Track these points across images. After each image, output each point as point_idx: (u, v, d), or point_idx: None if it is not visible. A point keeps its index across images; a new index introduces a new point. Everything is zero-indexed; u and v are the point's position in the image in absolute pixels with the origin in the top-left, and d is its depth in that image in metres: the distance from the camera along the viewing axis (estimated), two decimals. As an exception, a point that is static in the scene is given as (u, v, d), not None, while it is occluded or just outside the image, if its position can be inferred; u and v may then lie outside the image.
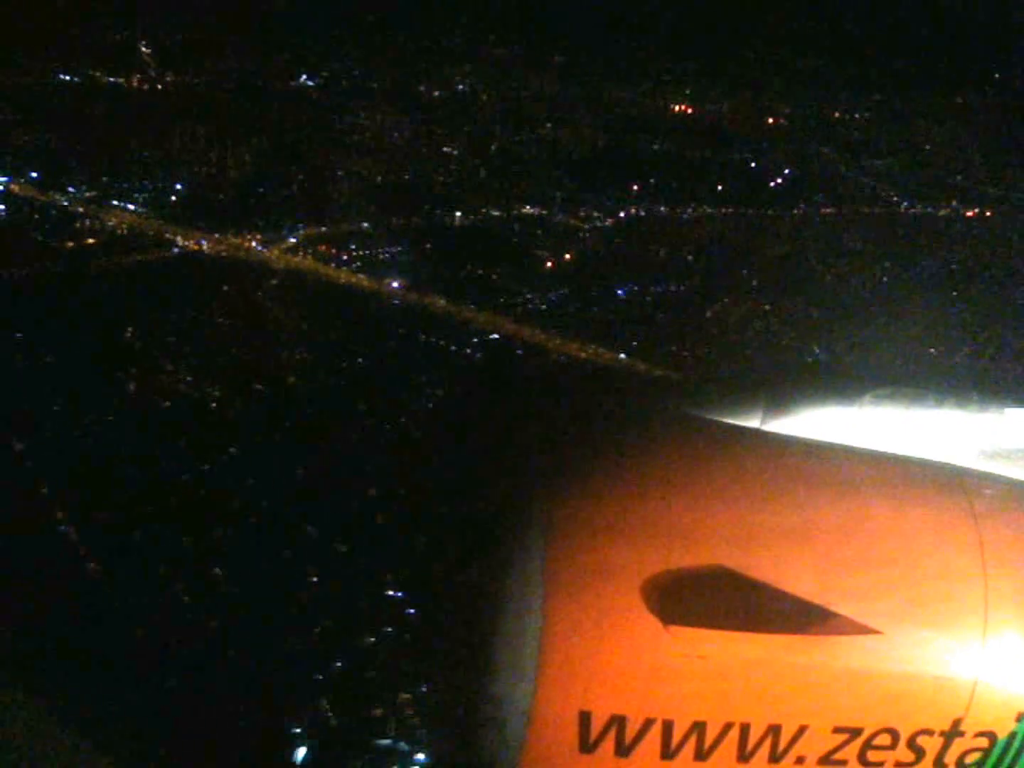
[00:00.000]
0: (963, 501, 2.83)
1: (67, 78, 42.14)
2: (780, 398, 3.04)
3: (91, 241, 31.19)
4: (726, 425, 2.98)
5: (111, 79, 42.85)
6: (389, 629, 16.73)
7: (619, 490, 2.72)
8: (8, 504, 21.00)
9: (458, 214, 37.34)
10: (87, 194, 33.59)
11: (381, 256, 33.61)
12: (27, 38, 42.78)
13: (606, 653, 2.59)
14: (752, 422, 2.99)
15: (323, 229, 34.31)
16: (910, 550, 2.73)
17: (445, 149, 43.76)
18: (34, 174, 33.84)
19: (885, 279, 40.46)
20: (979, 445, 3.10)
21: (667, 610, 2.57)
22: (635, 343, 32.06)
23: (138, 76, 43.53)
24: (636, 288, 35.90)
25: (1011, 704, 2.71)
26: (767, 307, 37.03)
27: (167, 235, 32.03)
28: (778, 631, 2.58)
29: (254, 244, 32.37)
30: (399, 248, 34.26)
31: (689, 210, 42.31)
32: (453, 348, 30.35)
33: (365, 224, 35.32)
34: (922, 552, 2.73)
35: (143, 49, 45.72)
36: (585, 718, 2.59)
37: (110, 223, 32.35)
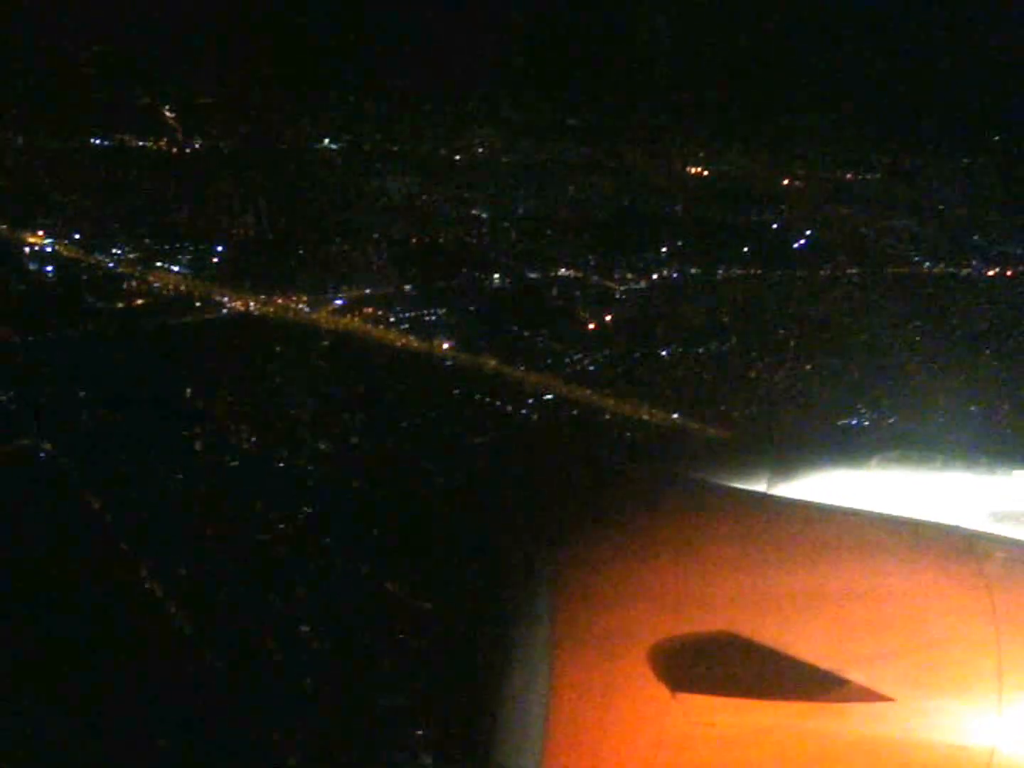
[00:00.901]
0: (974, 565, 2.79)
1: (97, 142, 42.94)
2: (786, 461, 3.08)
3: (141, 302, 31.72)
4: (733, 489, 3.00)
5: (140, 143, 43.70)
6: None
7: (626, 555, 2.70)
8: (93, 562, 21.29)
9: (496, 276, 38.15)
10: (130, 256, 34.19)
11: (427, 318, 34.27)
12: (52, 102, 43.60)
13: (613, 720, 2.57)
14: (758, 486, 3.02)
15: (366, 291, 34.98)
16: (921, 615, 2.70)
17: (473, 212, 44.71)
18: (76, 236, 34.45)
19: (918, 339, 41.46)
20: (989, 507, 3.09)
21: (675, 677, 2.54)
22: (684, 403, 32.73)
23: (166, 140, 44.39)
24: (679, 349, 36.69)
25: None
26: (808, 367, 37.90)
27: (215, 296, 32.60)
28: (788, 698, 2.54)
29: (301, 306, 32.97)
30: (444, 310, 34.98)
31: (720, 271, 43.35)
32: (509, 409, 30.91)
33: (407, 287, 36.04)
34: (933, 617, 2.70)
35: (167, 113, 46.63)
36: None
37: (156, 284, 32.92)
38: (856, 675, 2.56)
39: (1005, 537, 2.98)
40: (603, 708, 2.56)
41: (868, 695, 2.56)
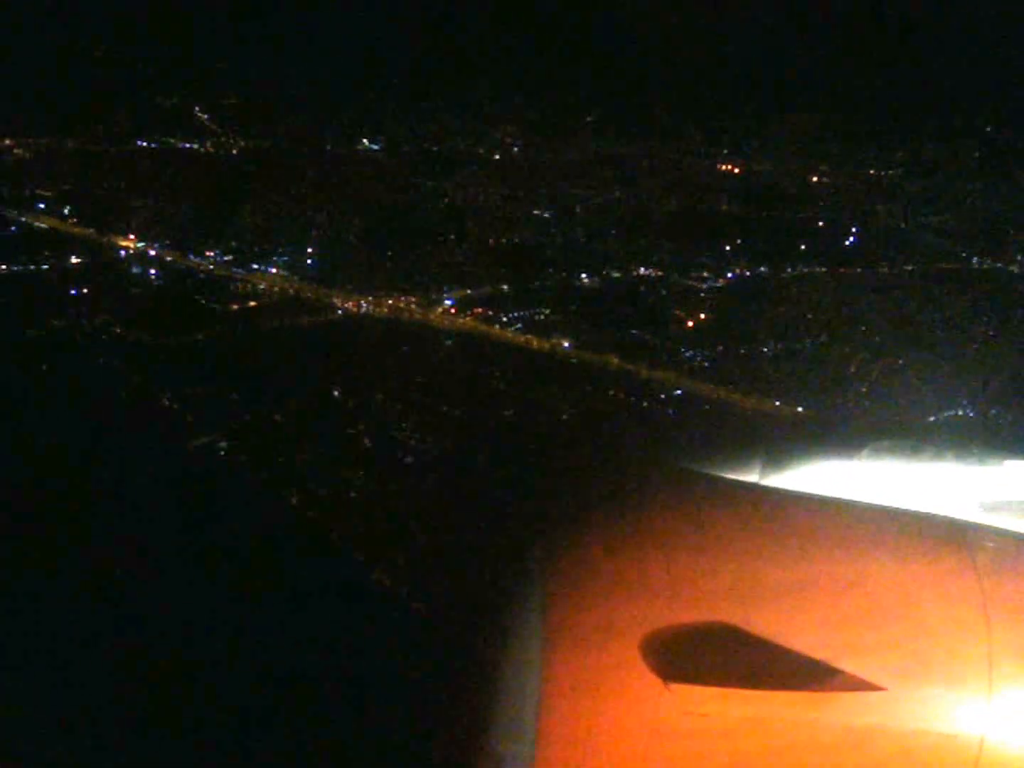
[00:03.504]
0: (965, 555, 2.90)
1: (143, 144, 43.60)
2: (778, 452, 3.23)
3: (253, 304, 32.59)
4: (725, 480, 3.13)
5: (185, 144, 44.48)
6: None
7: (619, 545, 2.82)
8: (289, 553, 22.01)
9: (583, 276, 39.76)
10: (225, 258, 35.01)
11: (536, 317, 35.70)
12: (90, 105, 44.15)
13: (606, 710, 2.67)
14: (750, 476, 3.16)
15: (468, 291, 36.30)
16: (912, 605, 2.81)
17: (535, 212, 46.26)
18: (164, 239, 35.16)
19: (991, 334, 43.99)
20: (980, 497, 3.25)
21: (668, 667, 2.65)
22: (799, 399, 34.67)
23: (210, 141, 45.24)
24: (778, 346, 38.73)
25: (1020, 761, 2.79)
26: (900, 362, 40.23)
27: (324, 298, 33.64)
28: (780, 688, 2.65)
29: (412, 306, 34.18)
30: (548, 310, 36.45)
31: (788, 270, 45.58)
32: (645, 405, 32.46)
33: (504, 287, 37.44)
34: (924, 607, 2.81)
35: (200, 115, 47.49)
36: None
37: (260, 286, 33.81)
38: (848, 665, 2.69)
39: (996, 527, 3.11)
40: (596, 698, 2.67)
41: (859, 684, 2.67)
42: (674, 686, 2.65)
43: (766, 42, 62.49)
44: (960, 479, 3.32)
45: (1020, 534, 3.13)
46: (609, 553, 2.81)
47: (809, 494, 3.15)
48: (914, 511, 3.12)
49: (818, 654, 2.69)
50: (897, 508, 3.13)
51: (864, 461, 3.26)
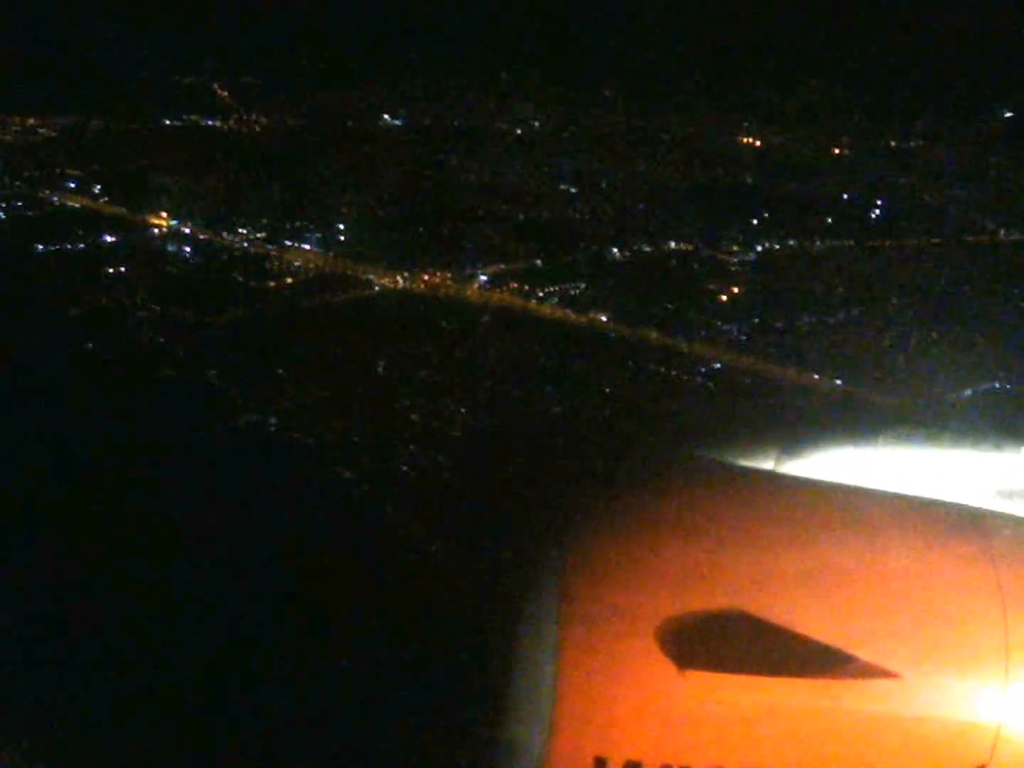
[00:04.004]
0: (981, 542, 2.92)
1: (168, 122, 43.66)
2: (794, 440, 3.28)
3: (290, 281, 32.74)
4: (741, 467, 3.19)
5: (208, 122, 44.53)
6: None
7: (634, 533, 2.86)
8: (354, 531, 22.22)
9: (615, 250, 39.91)
10: (257, 235, 35.13)
11: (571, 292, 35.88)
12: (112, 83, 44.21)
13: (621, 698, 2.71)
14: (766, 464, 3.22)
15: (501, 267, 36.45)
16: (927, 593, 2.83)
17: (561, 187, 46.37)
18: (195, 216, 35.28)
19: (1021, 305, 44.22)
20: (997, 485, 3.28)
21: (683, 654, 2.68)
22: (838, 371, 34.90)
23: (232, 118, 45.31)
24: (811, 319, 38.95)
25: None
26: (934, 335, 40.45)
27: (361, 274, 33.80)
28: (795, 675, 2.68)
29: (448, 282, 34.34)
30: (583, 284, 36.62)
31: (817, 243, 45.75)
32: (685, 379, 32.68)
33: (538, 262, 37.59)
34: (940, 594, 2.83)
35: (219, 92, 47.54)
36: (600, 764, 2.72)
37: (296, 263, 33.95)
38: (862, 652, 2.71)
39: (1012, 515, 3.13)
40: (611, 686, 2.71)
41: (874, 672, 2.70)
42: (689, 673, 2.69)
43: (782, 11, 62.29)
44: (977, 466, 3.35)
45: None
46: (625, 540, 2.86)
47: (824, 481, 3.18)
48: (930, 498, 3.15)
49: (833, 641, 2.72)
50: (913, 495, 3.16)
51: (880, 448, 3.30)
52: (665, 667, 2.68)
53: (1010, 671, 2.76)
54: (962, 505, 3.12)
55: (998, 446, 3.36)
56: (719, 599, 2.74)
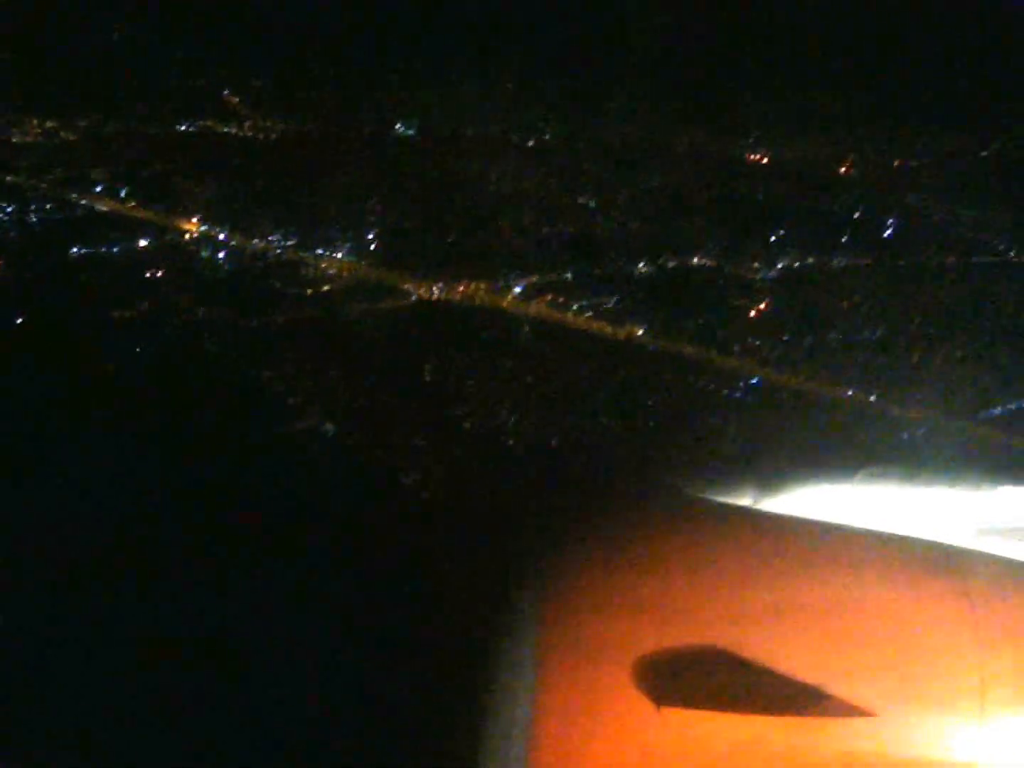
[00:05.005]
0: (957, 580, 3.35)
1: (183, 128, 43.98)
2: (771, 476, 3.70)
3: (327, 288, 32.91)
4: (719, 503, 3.62)
5: (224, 128, 44.92)
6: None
7: (612, 567, 3.23)
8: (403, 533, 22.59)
9: (641, 264, 40.43)
10: (288, 242, 35.33)
11: (605, 304, 36.32)
12: (127, 86, 44.55)
13: (598, 734, 3.07)
14: (744, 500, 3.64)
15: (534, 278, 36.87)
16: (903, 630, 3.25)
17: (580, 200, 46.93)
18: (223, 221, 35.44)
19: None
20: (974, 522, 3.72)
21: (660, 691, 3.08)
22: (871, 387, 35.48)
23: (248, 124, 45.78)
24: (842, 336, 39.51)
25: None
26: (959, 353, 41.15)
27: (397, 282, 34.09)
28: (771, 712, 3.05)
29: (482, 292, 34.69)
30: (615, 297, 37.08)
31: (836, 261, 46.36)
32: (724, 393, 33.05)
33: (568, 275, 38.03)
34: (916, 632, 3.25)
35: (232, 98, 48.19)
36: None
37: (330, 271, 34.16)
38: (838, 690, 3.11)
39: (990, 553, 3.52)
40: (587, 721, 3.08)
41: (850, 710, 3.11)
42: (666, 709, 3.07)
43: (788, 25, 63.22)
44: (954, 504, 3.76)
45: (1014, 559, 3.48)
46: (602, 574, 3.21)
47: (802, 518, 3.56)
48: (907, 536, 3.50)
49: (809, 679, 3.13)
50: (890, 533, 3.52)
51: (858, 485, 3.70)
52: (642, 703, 3.06)
53: (986, 709, 3.13)
54: (940, 543, 3.50)
55: (976, 484, 3.72)
56: (697, 635, 3.11)
